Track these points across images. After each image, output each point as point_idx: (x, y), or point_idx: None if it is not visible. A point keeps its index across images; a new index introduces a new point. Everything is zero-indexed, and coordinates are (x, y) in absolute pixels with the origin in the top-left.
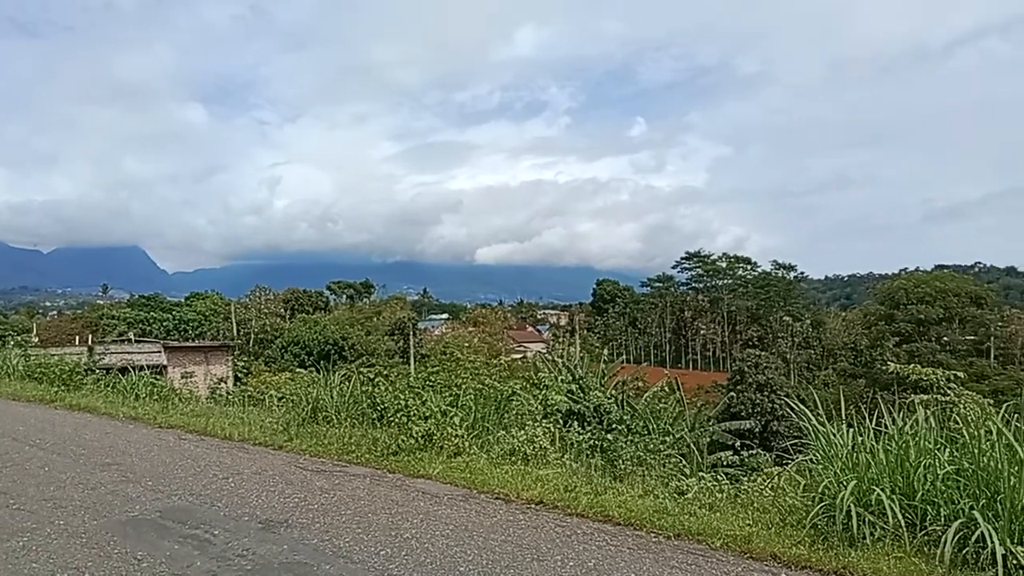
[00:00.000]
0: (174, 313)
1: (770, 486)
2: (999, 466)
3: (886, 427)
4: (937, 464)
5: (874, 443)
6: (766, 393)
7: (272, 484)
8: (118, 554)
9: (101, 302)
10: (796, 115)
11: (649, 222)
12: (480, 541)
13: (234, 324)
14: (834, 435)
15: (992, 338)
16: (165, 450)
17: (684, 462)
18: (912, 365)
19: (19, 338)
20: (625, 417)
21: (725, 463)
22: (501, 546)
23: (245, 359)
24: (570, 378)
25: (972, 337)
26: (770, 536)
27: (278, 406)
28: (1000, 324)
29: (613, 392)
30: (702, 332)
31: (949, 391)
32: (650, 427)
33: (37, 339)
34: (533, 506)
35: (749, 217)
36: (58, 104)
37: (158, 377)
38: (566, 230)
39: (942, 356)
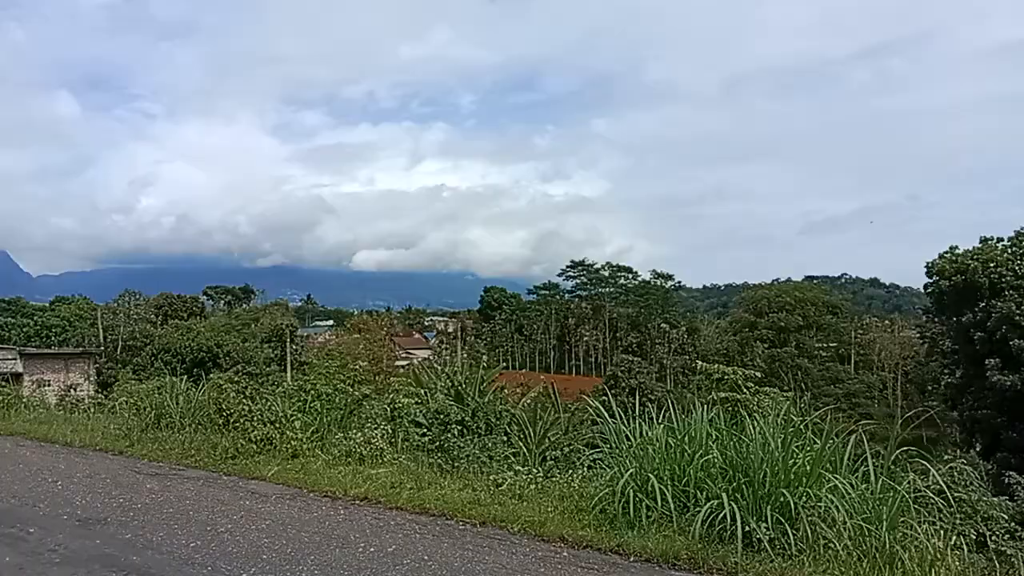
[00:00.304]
0: (36, 318)
1: (580, 477)
2: (755, 456)
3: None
4: (710, 454)
5: (660, 436)
6: (638, 396)
7: (101, 487)
8: None
9: None
10: (692, 128)
11: (540, 229)
12: (292, 533)
13: (100, 330)
14: (625, 431)
15: (851, 345)
16: None
17: (515, 459)
18: (717, 365)
19: None
20: (467, 419)
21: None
22: (311, 537)
23: (112, 367)
24: (448, 384)
25: (834, 344)
26: (563, 521)
27: (126, 413)
28: (860, 332)
29: (491, 398)
30: (585, 338)
31: (745, 390)
32: (500, 428)
33: None
34: (358, 502)
35: (637, 227)
36: None
37: (6, 384)
38: (455, 236)
39: (800, 361)
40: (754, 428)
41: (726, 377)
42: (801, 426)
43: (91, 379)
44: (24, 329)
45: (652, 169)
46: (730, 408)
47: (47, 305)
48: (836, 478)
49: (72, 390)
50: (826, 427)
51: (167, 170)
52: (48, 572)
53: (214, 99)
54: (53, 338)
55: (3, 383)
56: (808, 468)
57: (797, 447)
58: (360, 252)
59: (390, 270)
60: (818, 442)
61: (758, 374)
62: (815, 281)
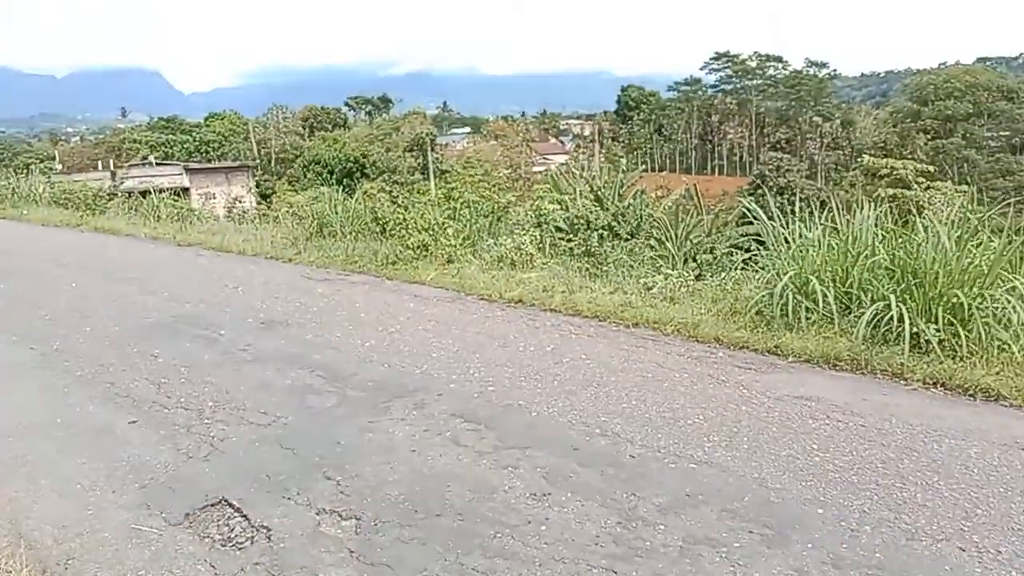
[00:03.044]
0: (194, 135)
1: (733, 280)
2: (927, 256)
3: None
4: (877, 255)
5: (821, 238)
6: (787, 196)
7: (277, 292)
8: (137, 352)
9: (121, 126)
10: None
11: (679, 20)
12: (456, 333)
13: (254, 144)
14: (784, 233)
15: None
16: (182, 265)
17: (662, 263)
18: (886, 159)
19: (43, 165)
20: (613, 225)
21: (715, 262)
22: (474, 337)
23: (267, 179)
24: (588, 189)
25: (1007, 133)
26: (717, 323)
27: (290, 223)
28: None
29: (632, 202)
30: (729, 136)
31: (915, 185)
32: (643, 233)
33: (61, 166)
34: (513, 305)
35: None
36: None
37: (177, 198)
38: (588, 33)
39: (967, 152)
40: (925, 227)
41: (894, 172)
42: (978, 223)
43: (251, 191)
44: (185, 145)
45: None
46: (897, 206)
47: (202, 122)
48: (1016, 278)
49: (237, 201)
50: (1007, 224)
51: None
52: (242, 369)
53: None
54: (212, 153)
55: (175, 197)
56: (985, 268)
57: (973, 246)
58: (491, 54)
59: (523, 73)
60: (995, 241)
61: (930, 168)
62: (989, 63)
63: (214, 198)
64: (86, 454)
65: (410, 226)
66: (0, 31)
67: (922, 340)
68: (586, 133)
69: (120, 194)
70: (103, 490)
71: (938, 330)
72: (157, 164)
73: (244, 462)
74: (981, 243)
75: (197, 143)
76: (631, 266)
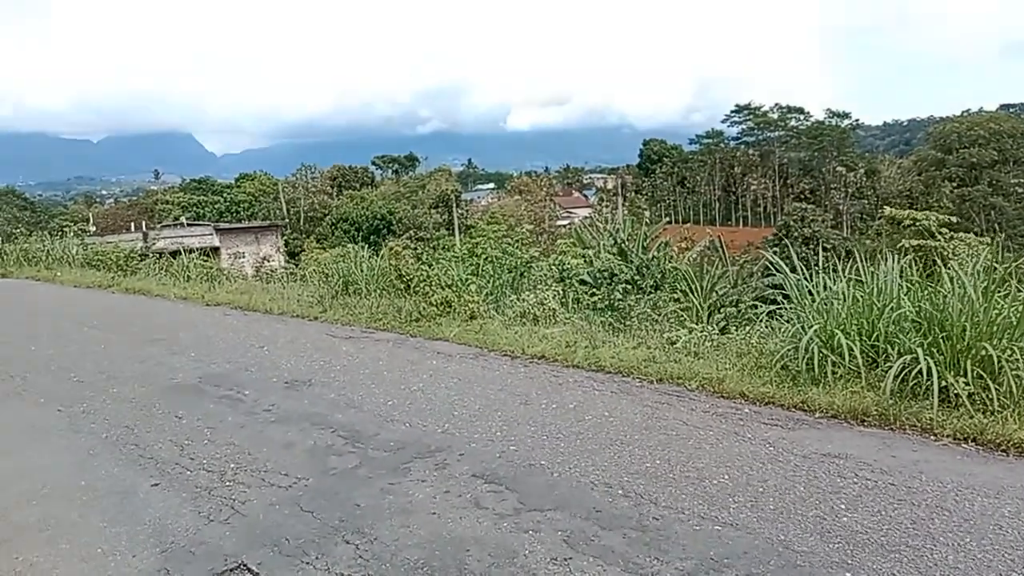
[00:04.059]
0: (225, 195)
1: (758, 334)
2: (953, 308)
3: (861, 274)
4: (902, 307)
5: (846, 290)
6: (811, 246)
7: (302, 350)
8: (162, 413)
9: (154, 187)
10: None
11: (702, 72)
12: (479, 391)
13: (283, 203)
14: (808, 285)
15: None
16: (210, 325)
17: (685, 316)
18: (907, 211)
19: (76, 227)
20: (637, 278)
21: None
22: (496, 394)
23: (297, 238)
24: (611, 242)
25: None
26: (742, 377)
27: (316, 281)
28: None
29: (656, 254)
30: (752, 188)
31: (940, 236)
32: (667, 285)
33: (94, 227)
34: (535, 360)
35: (808, 62)
36: None
37: (207, 258)
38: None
39: (995, 200)
40: (951, 278)
41: (917, 223)
42: (1005, 273)
43: (280, 250)
44: (216, 206)
45: None
46: (922, 256)
47: (232, 183)
48: None
49: (265, 261)
50: None
51: (326, 45)
52: (266, 430)
53: None
54: (242, 213)
55: (204, 257)
56: (1014, 320)
57: (1000, 296)
58: (514, 112)
59: (545, 128)
60: (1023, 291)
61: (953, 219)
62: (1012, 110)
63: (243, 257)
64: (108, 517)
65: (433, 283)
66: (40, 98)
67: (951, 394)
68: (609, 186)
69: (151, 255)
70: (123, 554)
71: (967, 384)
72: (188, 225)
73: (264, 525)
74: (1009, 293)
75: (228, 203)
76: (655, 320)
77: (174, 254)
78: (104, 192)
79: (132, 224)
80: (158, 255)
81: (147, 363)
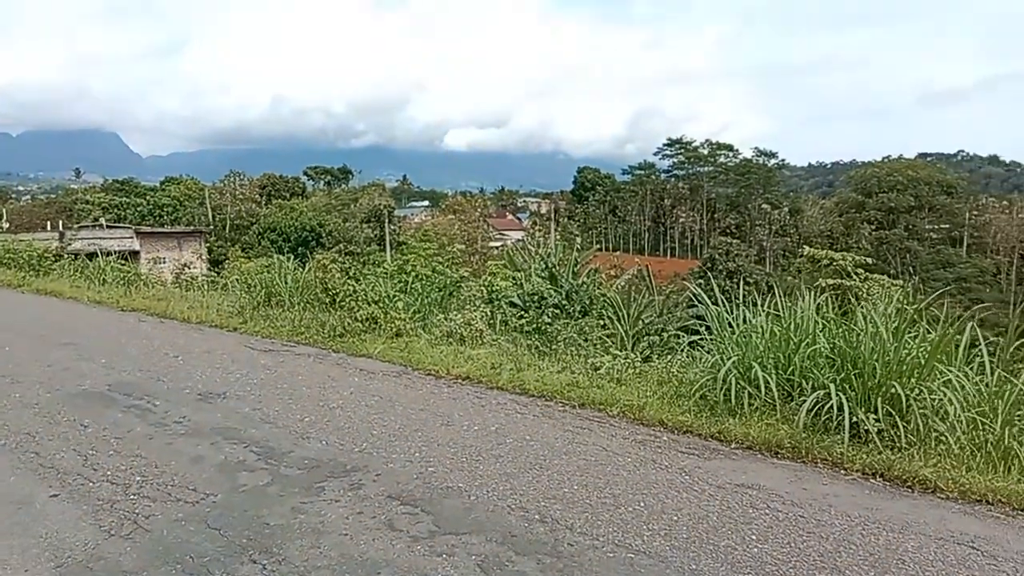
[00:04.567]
0: (148, 198)
1: (679, 363)
2: (865, 346)
3: (780, 309)
4: (817, 343)
5: (765, 324)
6: (735, 280)
7: (218, 362)
8: (66, 421)
9: (75, 186)
10: None
11: (636, 105)
12: (400, 410)
13: (209, 210)
14: (728, 318)
15: (964, 227)
16: (123, 332)
17: (611, 342)
18: (825, 251)
19: None
20: (565, 303)
21: (662, 344)
22: (417, 414)
23: (221, 245)
24: (542, 266)
25: (947, 226)
26: (662, 406)
27: (238, 291)
28: (975, 213)
29: (585, 280)
30: (681, 220)
31: (855, 277)
32: (594, 311)
33: (7, 224)
34: (460, 381)
35: (739, 100)
36: None
37: (125, 262)
38: (546, 113)
39: (909, 244)
40: (864, 317)
41: (834, 263)
42: (914, 315)
43: (203, 257)
44: (138, 208)
45: (758, 36)
46: (838, 295)
47: (157, 185)
48: (950, 370)
49: (186, 268)
50: (942, 316)
51: (262, 50)
52: (175, 442)
53: None
54: (165, 217)
55: (123, 261)
56: (921, 360)
57: (910, 337)
58: (451, 131)
59: (482, 150)
60: (931, 332)
61: (868, 260)
62: (929, 159)
63: (164, 263)
64: (1, 528)
65: (360, 298)
66: None
67: (861, 430)
68: (543, 211)
69: (67, 255)
70: (15, 568)
71: (877, 420)
72: (108, 227)
73: (168, 541)
74: (918, 335)
75: (151, 207)
76: (581, 345)
77: (91, 256)
78: (21, 188)
79: (49, 223)
80: (74, 256)
81: (54, 367)
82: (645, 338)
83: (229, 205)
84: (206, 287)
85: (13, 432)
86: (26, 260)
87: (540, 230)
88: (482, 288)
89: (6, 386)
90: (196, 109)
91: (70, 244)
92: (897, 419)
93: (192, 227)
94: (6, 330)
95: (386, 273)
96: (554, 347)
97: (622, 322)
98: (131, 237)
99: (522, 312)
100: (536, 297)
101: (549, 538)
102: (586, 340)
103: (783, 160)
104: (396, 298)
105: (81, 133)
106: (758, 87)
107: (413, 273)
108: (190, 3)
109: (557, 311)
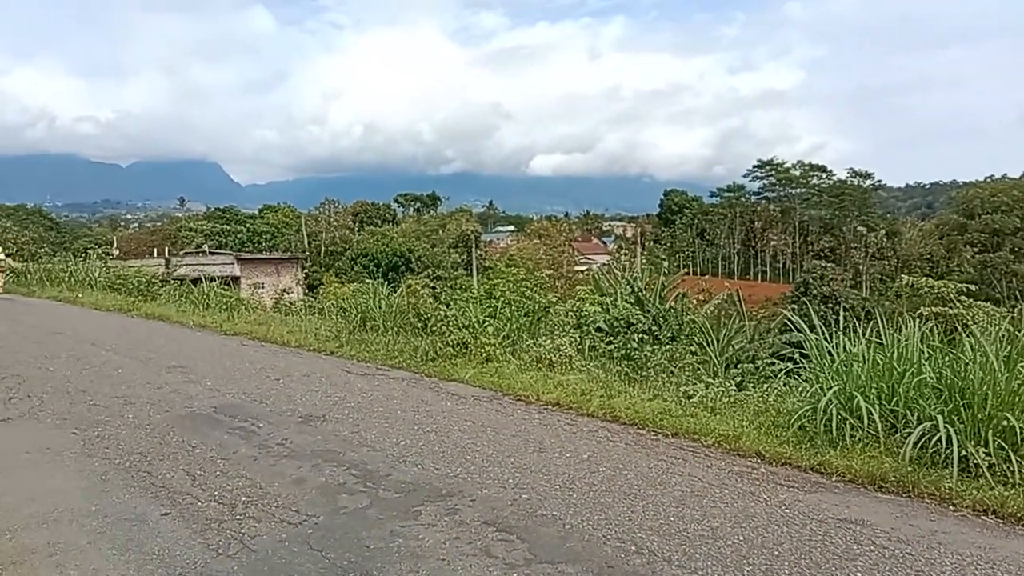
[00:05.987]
0: (248, 225)
1: (776, 392)
2: (975, 376)
3: (882, 337)
4: (923, 373)
5: (865, 351)
6: (830, 305)
7: (317, 385)
8: (175, 442)
9: (179, 214)
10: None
11: (724, 128)
12: (492, 436)
13: (305, 236)
14: (826, 344)
15: None
16: (227, 355)
17: (702, 369)
18: (924, 278)
19: (100, 250)
20: (653, 328)
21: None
22: (510, 440)
23: (316, 270)
24: (629, 290)
25: None
26: (759, 436)
27: (334, 315)
28: None
29: (673, 305)
30: (772, 243)
31: (959, 304)
32: (683, 337)
33: (118, 251)
34: (550, 407)
35: (831, 122)
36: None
37: (227, 288)
38: (633, 137)
39: (1016, 267)
40: (972, 346)
41: (935, 290)
42: None
43: (300, 282)
44: (238, 235)
45: (849, 57)
46: (942, 323)
47: (256, 213)
48: None
49: (285, 293)
50: None
51: (355, 81)
52: (278, 464)
53: (397, 5)
54: (264, 243)
55: (224, 286)
56: None
57: (1022, 366)
58: (537, 156)
59: (567, 174)
60: None
61: (971, 286)
62: None
63: (263, 288)
64: (117, 544)
65: (450, 323)
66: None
67: (971, 464)
68: (628, 234)
69: (172, 281)
70: None
71: (988, 454)
72: (210, 253)
73: (273, 562)
74: None
75: (250, 233)
76: (671, 372)
77: (195, 281)
78: (129, 216)
79: (155, 249)
80: (179, 281)
81: (163, 389)
82: (737, 365)
83: (324, 232)
84: (304, 312)
85: (127, 452)
86: (135, 285)
87: (626, 254)
88: (570, 313)
89: (119, 407)
90: (293, 139)
91: (175, 270)
92: (1010, 453)
93: (289, 253)
94: (118, 353)
95: (475, 298)
96: (644, 373)
97: (712, 348)
98: (232, 263)
99: (610, 338)
100: (624, 322)
101: (647, 570)
102: (677, 367)
103: (879, 181)
104: (486, 323)
105: (185, 163)
106: (850, 108)
107: (502, 298)
108: (288, 40)
109: (645, 336)
